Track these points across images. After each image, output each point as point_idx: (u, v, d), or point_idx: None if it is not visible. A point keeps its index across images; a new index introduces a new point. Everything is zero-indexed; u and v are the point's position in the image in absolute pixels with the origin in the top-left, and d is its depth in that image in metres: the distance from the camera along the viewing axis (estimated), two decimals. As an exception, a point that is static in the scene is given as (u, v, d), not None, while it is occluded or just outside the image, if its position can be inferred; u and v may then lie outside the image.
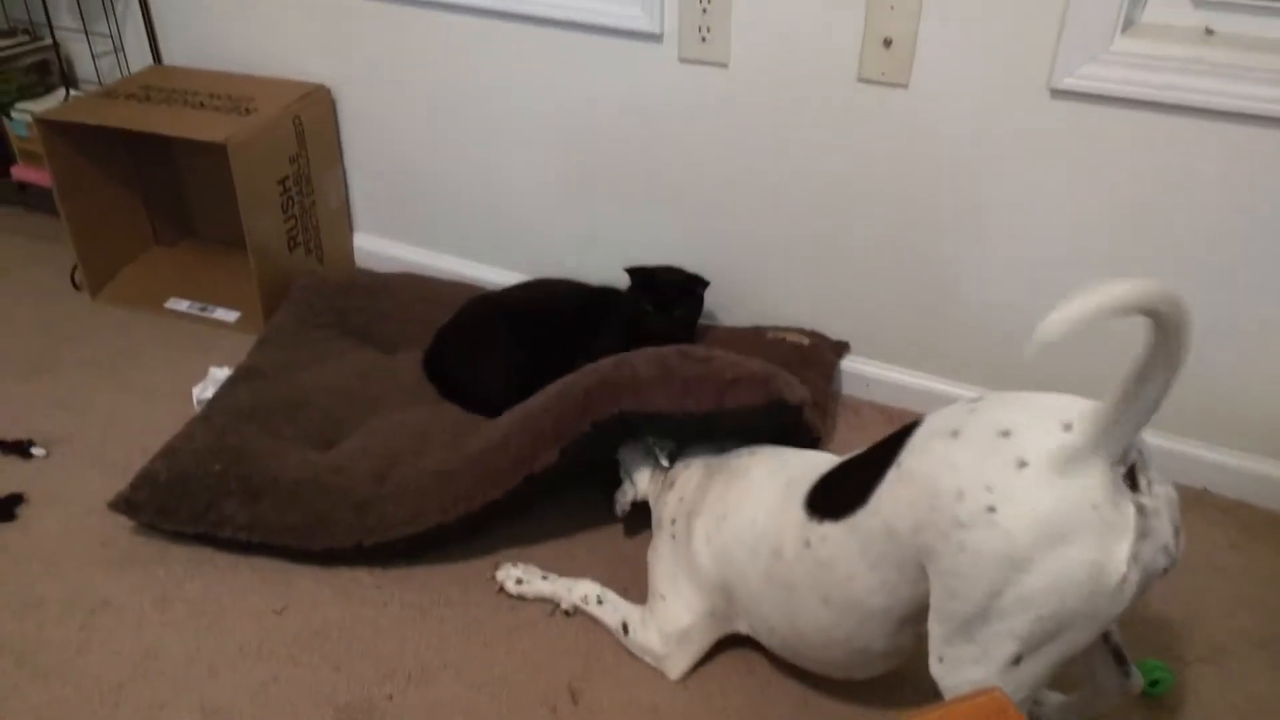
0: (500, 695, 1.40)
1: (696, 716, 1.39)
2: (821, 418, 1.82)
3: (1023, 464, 0.98)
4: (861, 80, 1.73)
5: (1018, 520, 0.97)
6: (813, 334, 2.01)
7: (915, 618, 1.16)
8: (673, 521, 1.48)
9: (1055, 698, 1.37)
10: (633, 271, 1.96)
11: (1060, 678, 1.37)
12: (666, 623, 1.44)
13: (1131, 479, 0.99)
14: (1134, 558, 0.96)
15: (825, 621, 1.24)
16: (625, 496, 1.62)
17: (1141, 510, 0.97)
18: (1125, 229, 1.67)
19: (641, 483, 1.60)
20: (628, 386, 1.46)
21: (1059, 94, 1.61)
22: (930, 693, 1.11)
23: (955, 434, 1.06)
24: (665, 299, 1.90)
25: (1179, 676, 1.45)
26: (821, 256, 1.95)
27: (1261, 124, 1.51)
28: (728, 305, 2.10)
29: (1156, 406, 0.94)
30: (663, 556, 1.49)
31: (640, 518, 1.64)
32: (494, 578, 1.58)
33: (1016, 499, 0.97)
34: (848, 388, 2.05)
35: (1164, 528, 1.00)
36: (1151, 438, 1.79)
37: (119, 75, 2.41)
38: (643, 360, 1.48)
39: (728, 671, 1.45)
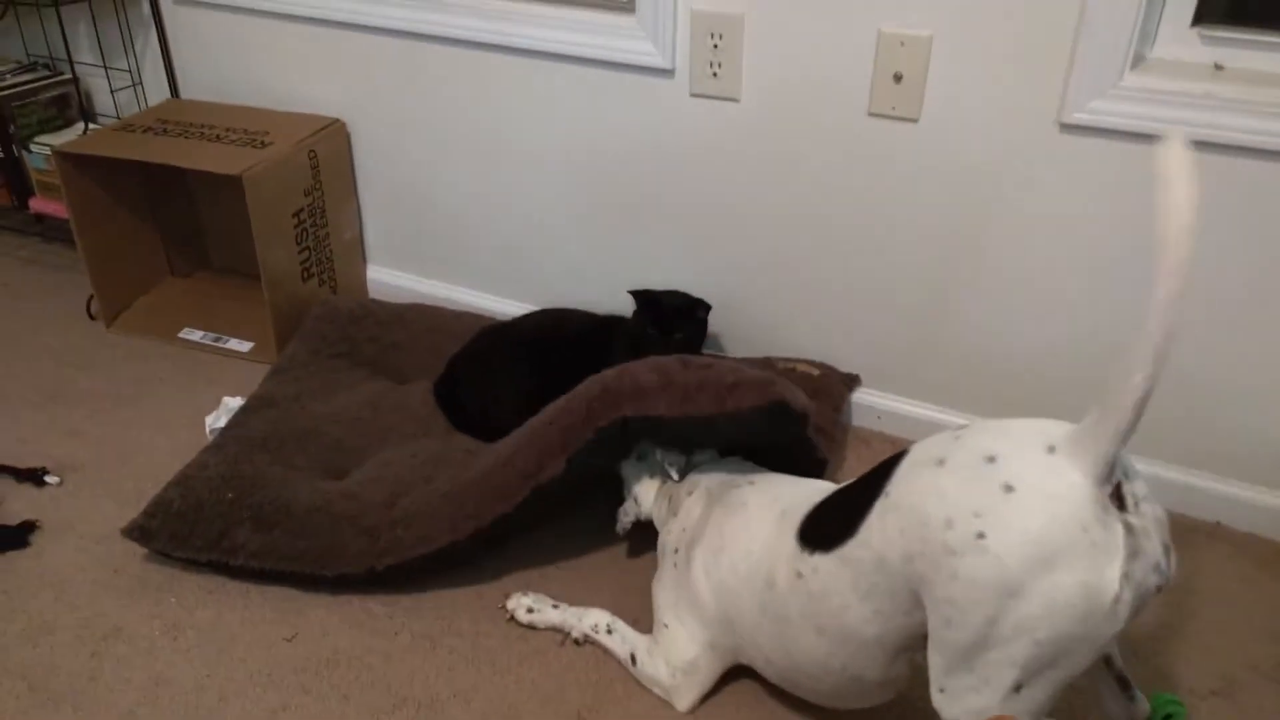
0: (510, 726, 1.40)
1: (707, 748, 1.38)
2: (830, 445, 1.83)
3: (1009, 489, 0.99)
4: (872, 114, 1.76)
5: (1008, 545, 0.97)
6: (823, 366, 2.02)
7: (910, 646, 1.16)
8: (675, 551, 1.48)
9: (1066, 729, 1.36)
10: (636, 294, 1.98)
11: (1067, 709, 1.37)
12: (672, 654, 1.43)
13: (1118, 498, 0.99)
14: (1126, 577, 0.96)
15: (820, 652, 1.24)
16: (627, 516, 1.62)
17: (1130, 529, 0.98)
18: (1135, 264, 1.68)
19: (646, 500, 1.60)
20: (629, 394, 1.47)
21: (1068, 128, 1.63)
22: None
23: (941, 462, 1.06)
24: (667, 322, 1.92)
25: (1192, 710, 1.44)
26: (832, 289, 1.96)
27: (1272, 159, 1.52)
28: (739, 336, 2.11)
29: (1136, 422, 0.95)
30: (666, 586, 1.49)
31: (647, 543, 1.64)
32: (504, 607, 1.57)
33: (1006, 524, 0.98)
34: (858, 419, 2.05)
35: (1154, 546, 1.00)
36: (1164, 470, 1.80)
37: (137, 109, 2.45)
38: (644, 369, 1.49)
39: (738, 704, 1.44)
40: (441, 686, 1.46)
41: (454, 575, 1.63)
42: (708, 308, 1.98)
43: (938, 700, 1.08)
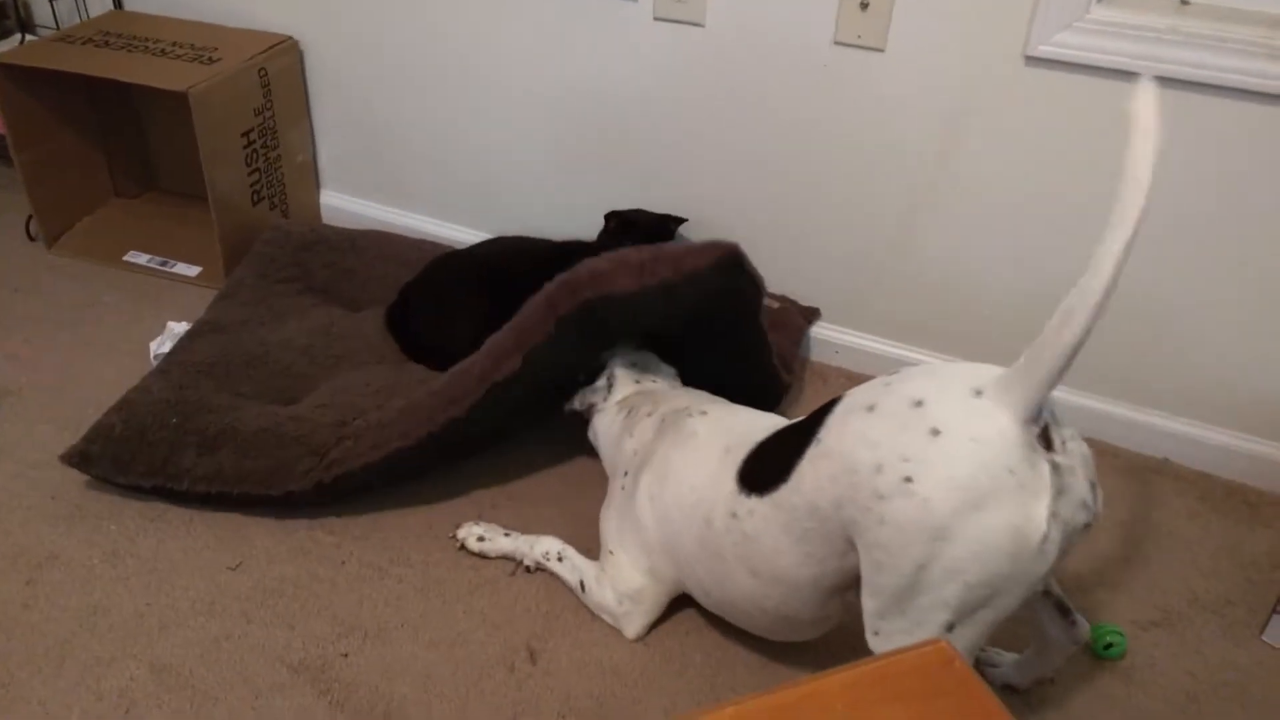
0: (458, 654, 1.39)
1: (656, 675, 1.38)
2: (788, 373, 1.82)
3: (936, 432, 0.99)
4: (838, 43, 1.71)
5: (935, 489, 0.97)
6: (783, 298, 2.00)
7: (844, 586, 1.17)
8: (625, 474, 1.48)
9: (1009, 657, 1.38)
10: (609, 216, 1.95)
11: (1010, 637, 1.39)
12: (619, 581, 1.43)
13: (1045, 438, 0.99)
14: (1054, 516, 0.97)
15: (753, 591, 1.25)
16: (593, 394, 1.62)
17: (1056, 468, 0.98)
18: (1096, 200, 1.67)
19: (618, 390, 1.60)
20: (587, 280, 1.44)
21: (1034, 61, 1.60)
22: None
23: (871, 408, 1.06)
24: (640, 238, 1.89)
25: (1134, 641, 1.46)
26: (794, 221, 1.93)
27: (1234, 96, 1.51)
28: (698, 269, 2.09)
29: (1066, 368, 0.95)
30: (613, 510, 1.49)
31: (599, 474, 1.62)
32: (455, 536, 1.56)
33: (932, 467, 0.98)
34: (816, 354, 2.04)
35: (1080, 484, 1.00)
36: (1113, 407, 1.82)
37: (78, 20, 2.34)
38: (597, 258, 1.47)
39: (687, 630, 1.45)
40: (389, 615, 1.45)
41: (403, 504, 1.61)
42: (680, 220, 1.96)
43: (872, 642, 1.09)
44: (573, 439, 1.68)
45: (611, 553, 1.45)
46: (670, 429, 1.45)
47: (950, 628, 1.02)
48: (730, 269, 1.46)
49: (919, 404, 1.02)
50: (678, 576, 1.40)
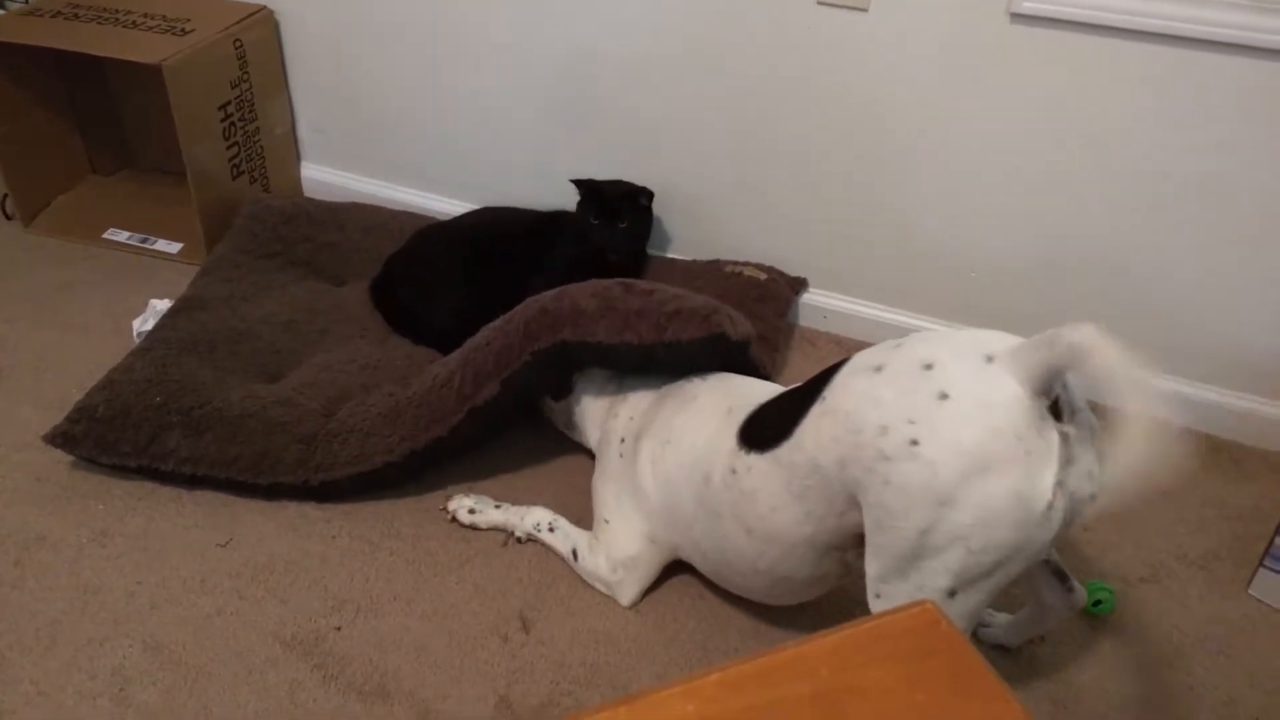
0: (451, 625, 1.40)
1: (649, 643, 1.39)
2: (772, 353, 1.81)
3: (944, 396, 0.98)
4: (821, 3, 1.69)
5: (941, 452, 0.96)
6: (770, 269, 1.99)
7: (841, 546, 1.17)
8: (621, 440, 1.47)
9: (1002, 618, 1.39)
10: (579, 183, 1.92)
11: (1004, 598, 1.40)
12: (613, 549, 1.44)
13: (1055, 411, 0.99)
14: (1059, 485, 0.96)
15: (748, 551, 1.25)
16: (561, 415, 1.63)
17: (1065, 439, 0.97)
18: (1082, 158, 1.66)
19: (586, 418, 1.59)
20: (568, 318, 1.43)
21: (1019, 18, 1.58)
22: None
23: (879, 369, 1.05)
24: (610, 210, 1.87)
25: (1122, 596, 1.48)
26: (780, 187, 1.92)
27: (1221, 50, 1.49)
28: (688, 238, 2.07)
29: (1083, 365, 0.94)
30: (609, 478, 1.48)
31: (588, 450, 1.62)
32: (446, 509, 1.56)
33: (939, 431, 0.97)
34: (805, 319, 2.04)
35: (1088, 455, 0.99)
36: (1102, 366, 1.81)
37: (46, -7, 2.29)
38: (585, 292, 1.45)
39: (680, 597, 1.45)
40: (381, 588, 1.45)
41: (392, 485, 1.60)
42: (651, 195, 1.93)
43: (874, 605, 1.09)
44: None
45: (607, 521, 1.45)
46: (671, 395, 1.45)
47: (952, 593, 1.02)
48: (714, 344, 1.42)
49: (929, 367, 1.00)
50: (676, 541, 1.40)
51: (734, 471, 1.24)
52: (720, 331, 1.41)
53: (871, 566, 1.07)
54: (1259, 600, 1.49)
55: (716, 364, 1.48)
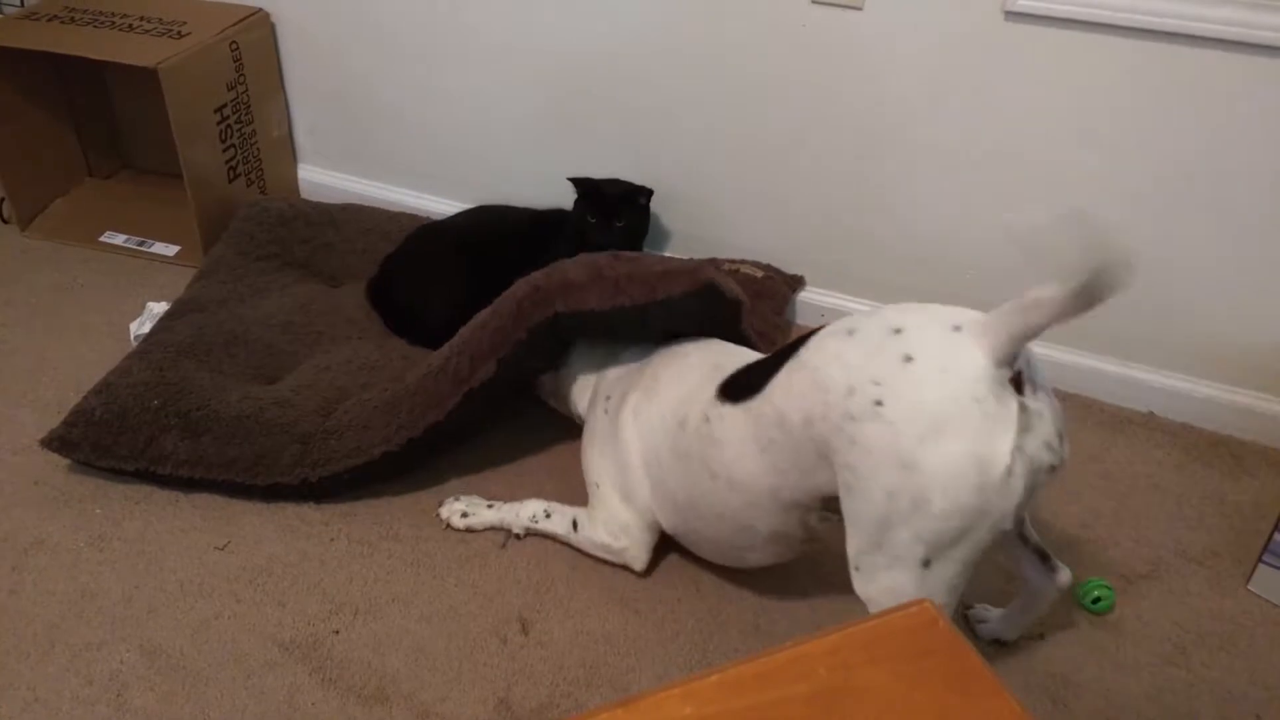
0: (450, 627, 1.39)
1: (648, 643, 1.39)
2: (771, 348, 1.81)
3: (909, 359, 1.01)
4: (815, 2, 1.69)
5: (902, 413, 0.99)
6: (767, 267, 1.99)
7: (805, 505, 1.20)
8: (607, 399, 1.49)
9: (996, 612, 1.39)
10: (577, 181, 1.92)
11: (998, 593, 1.40)
12: (608, 511, 1.45)
13: (1018, 385, 1.01)
14: (1018, 450, 0.98)
15: (712, 496, 1.28)
16: (550, 387, 1.63)
17: (1024, 409, 1.00)
18: (1077, 154, 1.66)
19: (579, 392, 1.60)
20: (559, 290, 1.44)
21: (1014, 16, 1.58)
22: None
23: (851, 332, 1.08)
24: (608, 209, 1.87)
25: (1122, 594, 1.47)
26: (777, 185, 1.92)
27: (1215, 46, 1.49)
28: (685, 236, 2.07)
29: (1046, 327, 0.96)
30: (595, 437, 1.50)
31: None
32: (439, 515, 1.56)
33: (901, 393, 1.00)
34: (802, 317, 2.03)
35: (1047, 427, 1.02)
36: (1098, 362, 1.82)
37: (41, -3, 2.29)
38: (573, 265, 1.46)
39: (678, 597, 1.45)
40: (380, 590, 1.44)
41: (391, 483, 1.60)
42: (649, 194, 1.93)
43: (855, 580, 1.11)
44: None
45: (598, 485, 1.47)
46: (661, 354, 1.46)
47: (926, 563, 1.04)
48: (705, 297, 1.43)
49: (897, 331, 1.04)
50: (647, 500, 1.41)
51: (707, 419, 1.27)
52: (710, 280, 1.42)
53: (850, 540, 1.10)
54: (1259, 596, 1.49)
55: (711, 325, 1.49)
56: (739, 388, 1.25)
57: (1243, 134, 1.55)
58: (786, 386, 1.14)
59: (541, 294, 1.45)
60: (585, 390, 1.58)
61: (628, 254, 1.48)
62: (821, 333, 1.14)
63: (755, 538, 1.29)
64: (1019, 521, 1.23)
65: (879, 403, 1.01)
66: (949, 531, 1.01)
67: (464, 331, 1.55)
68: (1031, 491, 1.02)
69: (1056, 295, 0.92)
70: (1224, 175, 1.59)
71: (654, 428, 1.38)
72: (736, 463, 1.22)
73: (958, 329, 1.01)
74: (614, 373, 1.52)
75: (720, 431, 1.25)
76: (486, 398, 1.52)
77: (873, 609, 1.10)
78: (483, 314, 1.54)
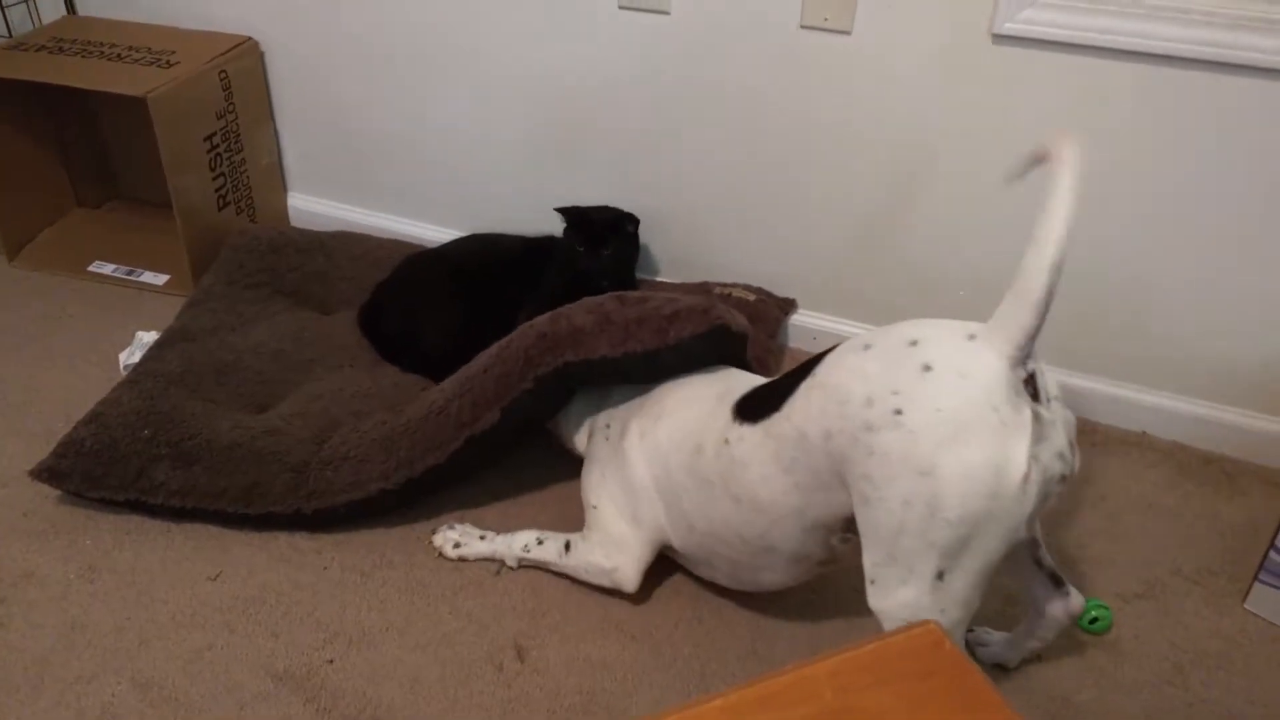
0: (445, 655, 1.38)
1: (645, 669, 1.38)
2: (764, 372, 1.81)
3: (927, 368, 1.02)
4: (804, 27, 1.71)
5: (921, 421, 1.00)
6: (759, 291, 2.00)
7: (827, 526, 1.20)
8: (608, 425, 1.49)
9: (999, 636, 1.38)
10: (564, 211, 1.92)
11: (1001, 617, 1.40)
12: (604, 530, 1.44)
13: (1032, 390, 1.03)
14: (1033, 458, 1.00)
15: (735, 519, 1.28)
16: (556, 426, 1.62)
17: (1039, 418, 1.01)
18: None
19: (581, 416, 1.59)
20: (567, 339, 1.43)
21: (1001, 39, 1.60)
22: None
23: (867, 347, 1.10)
24: (595, 238, 1.88)
25: (1119, 614, 1.47)
26: (768, 209, 1.93)
27: (1200, 68, 1.51)
28: (676, 260, 2.08)
29: (1049, 299, 0.99)
30: (595, 461, 1.49)
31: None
32: (432, 544, 1.54)
33: (920, 401, 1.01)
34: (794, 340, 2.04)
35: (1060, 436, 1.04)
36: (1092, 383, 1.83)
37: (31, 27, 2.29)
38: (580, 311, 1.46)
39: (676, 623, 1.44)
40: (374, 619, 1.43)
41: (386, 513, 1.59)
42: (636, 221, 1.94)
43: (870, 593, 1.11)
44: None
45: (595, 506, 1.46)
46: (664, 383, 1.46)
47: (940, 575, 1.04)
48: (717, 339, 1.43)
49: (914, 343, 1.05)
50: (660, 520, 1.40)
51: (726, 442, 1.27)
52: (722, 323, 1.42)
53: (866, 553, 1.10)
54: (1255, 615, 1.49)
55: (718, 361, 1.49)
56: (757, 408, 1.26)
57: (1230, 153, 1.56)
58: (805, 403, 1.14)
59: (549, 342, 1.44)
60: (583, 427, 1.57)
61: (633, 295, 1.48)
62: (837, 349, 1.15)
63: (777, 559, 1.29)
64: (1033, 543, 1.24)
65: (898, 411, 1.02)
66: (962, 539, 1.01)
67: (466, 371, 1.54)
68: (1044, 501, 1.03)
69: (1040, 262, 0.97)
70: (1213, 195, 1.61)
71: (664, 451, 1.38)
72: (761, 484, 1.22)
73: (972, 337, 1.04)
74: (611, 405, 1.52)
75: (741, 453, 1.25)
76: (489, 445, 1.52)
77: (886, 623, 1.10)
78: (485, 357, 1.53)
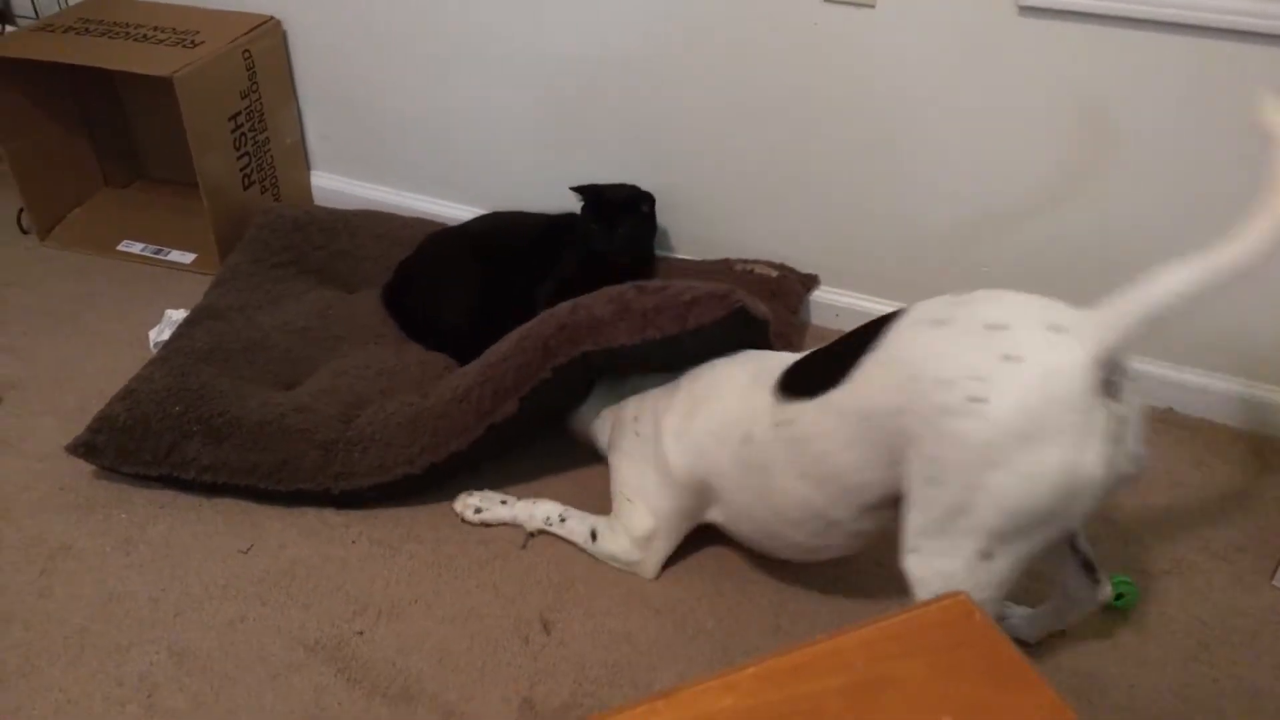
0: (472, 627, 1.40)
1: (669, 641, 1.39)
2: (786, 347, 1.81)
3: (1013, 358, 0.99)
4: (827, 0, 1.69)
5: (1003, 413, 0.98)
6: (781, 266, 1.99)
7: (883, 504, 1.18)
8: (636, 419, 1.48)
9: (1020, 611, 1.39)
10: (580, 190, 1.93)
11: (1027, 593, 1.40)
12: (635, 526, 1.45)
13: (1110, 387, 1.01)
14: (1106, 461, 0.98)
15: (800, 496, 1.25)
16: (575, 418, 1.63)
17: (1116, 418, 0.99)
18: (1093, 149, 1.66)
19: (602, 409, 1.59)
20: (587, 329, 1.44)
21: (1027, 10, 1.58)
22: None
23: (941, 323, 1.07)
24: (610, 216, 1.88)
25: (1144, 589, 1.47)
26: (790, 185, 1.92)
27: (1228, 38, 1.49)
28: (697, 239, 2.08)
29: (1152, 323, 0.96)
30: (628, 455, 1.49)
31: (600, 455, 1.62)
32: (455, 509, 1.57)
33: (1004, 392, 0.98)
34: (816, 317, 2.04)
35: (1133, 437, 1.02)
36: (1118, 358, 1.80)
37: (57, 8, 2.31)
38: (599, 301, 1.46)
39: (698, 596, 1.46)
40: (403, 591, 1.45)
41: (410, 496, 1.60)
42: (652, 200, 1.93)
43: (910, 561, 1.10)
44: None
45: (630, 500, 1.46)
46: (688, 374, 1.46)
47: (985, 555, 1.03)
48: (737, 323, 1.43)
49: (995, 328, 1.02)
50: (709, 508, 1.41)
51: (778, 425, 1.25)
52: (741, 306, 1.42)
53: (914, 520, 1.09)
54: (1282, 590, 1.49)
55: (740, 345, 1.49)
56: (809, 382, 1.23)
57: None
58: (869, 378, 1.12)
59: (568, 333, 1.45)
60: (603, 416, 1.58)
61: (652, 284, 1.47)
62: (904, 322, 1.12)
63: (838, 535, 1.27)
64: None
65: (979, 399, 0.99)
66: (1018, 529, 1.01)
67: (488, 358, 1.55)
68: (1107, 498, 1.02)
69: (1186, 276, 0.94)
70: (1243, 168, 1.58)
71: (704, 447, 1.37)
72: (825, 458, 1.20)
73: (1060, 329, 1.00)
74: (634, 397, 1.51)
75: (798, 431, 1.22)
76: (510, 433, 1.53)
77: (919, 590, 1.10)
78: (505, 344, 1.54)
